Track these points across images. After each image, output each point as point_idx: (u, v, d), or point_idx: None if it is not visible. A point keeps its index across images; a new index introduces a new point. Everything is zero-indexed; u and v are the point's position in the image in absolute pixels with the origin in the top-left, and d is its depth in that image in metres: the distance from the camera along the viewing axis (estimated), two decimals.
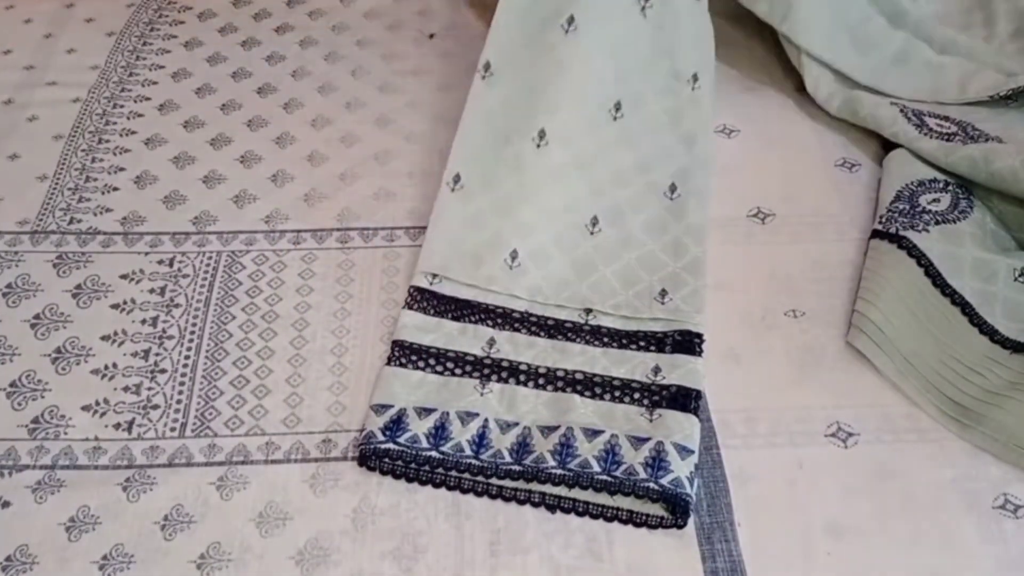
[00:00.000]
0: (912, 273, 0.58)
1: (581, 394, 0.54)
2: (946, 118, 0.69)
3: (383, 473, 0.51)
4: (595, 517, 0.50)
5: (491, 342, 0.57)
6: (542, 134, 0.63)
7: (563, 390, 0.55)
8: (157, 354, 0.57)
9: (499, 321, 0.59)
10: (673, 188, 0.65)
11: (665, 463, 0.50)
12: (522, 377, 0.56)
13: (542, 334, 0.58)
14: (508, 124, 0.64)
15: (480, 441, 0.52)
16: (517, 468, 0.50)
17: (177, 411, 0.54)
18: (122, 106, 0.75)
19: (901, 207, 0.62)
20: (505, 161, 0.63)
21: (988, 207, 0.64)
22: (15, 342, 0.58)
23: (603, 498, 0.50)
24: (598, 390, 0.55)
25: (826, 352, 0.57)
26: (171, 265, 0.62)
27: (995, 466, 0.52)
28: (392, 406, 0.53)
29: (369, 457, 0.51)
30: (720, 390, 0.55)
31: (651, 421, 0.52)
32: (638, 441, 0.51)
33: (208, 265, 0.62)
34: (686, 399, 0.53)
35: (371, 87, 0.78)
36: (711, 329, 0.58)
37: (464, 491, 0.51)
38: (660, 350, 0.57)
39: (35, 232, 0.64)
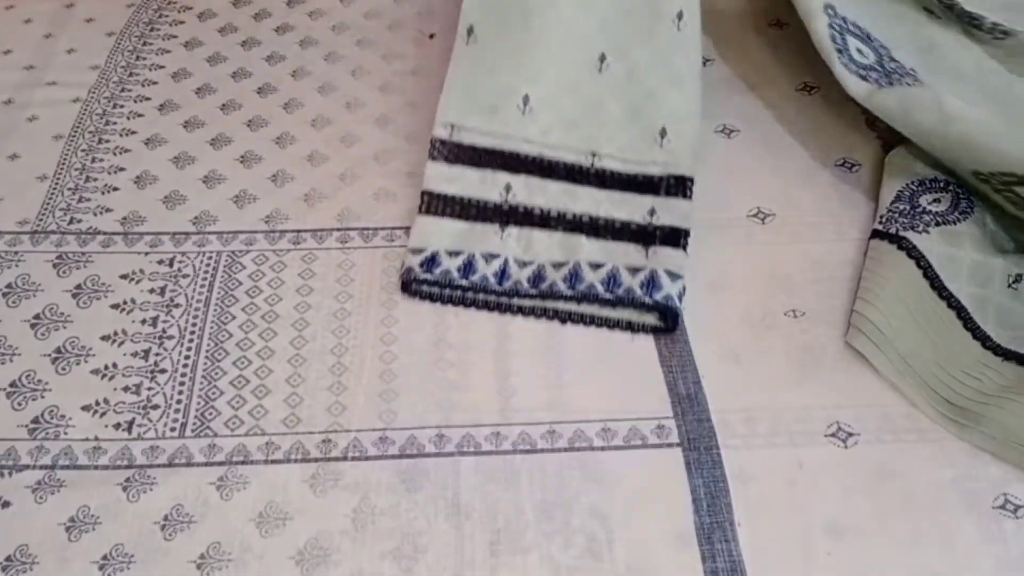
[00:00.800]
0: (911, 274, 0.58)
1: (587, 235, 0.62)
2: (868, 37, 0.68)
3: (422, 298, 0.60)
4: (599, 326, 0.59)
5: (507, 188, 0.63)
6: None
7: (571, 231, 0.62)
8: (157, 354, 0.57)
9: (514, 166, 0.64)
10: (680, 16, 0.66)
11: (658, 284, 0.59)
12: (536, 220, 0.63)
13: (552, 177, 0.64)
14: None
15: (502, 274, 0.60)
16: (534, 291, 0.60)
17: (177, 411, 0.54)
18: (122, 106, 0.76)
19: (901, 207, 0.62)
20: (514, 8, 0.66)
21: (987, 208, 0.64)
22: (15, 342, 0.58)
23: (607, 313, 0.59)
24: (602, 232, 0.62)
25: (826, 352, 0.57)
26: (171, 265, 0.62)
27: (995, 466, 0.52)
28: (426, 248, 0.61)
29: (410, 284, 0.60)
30: (720, 390, 0.55)
31: (647, 256, 0.60)
32: (635, 270, 0.60)
33: (208, 265, 0.62)
34: (677, 237, 0.61)
35: (371, 87, 0.78)
36: (711, 330, 0.58)
37: (490, 309, 0.60)
38: (655, 193, 0.63)
39: (35, 232, 0.64)
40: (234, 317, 0.59)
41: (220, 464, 0.52)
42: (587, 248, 0.61)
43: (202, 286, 0.61)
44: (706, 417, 0.54)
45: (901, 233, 0.60)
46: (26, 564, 0.47)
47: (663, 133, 0.64)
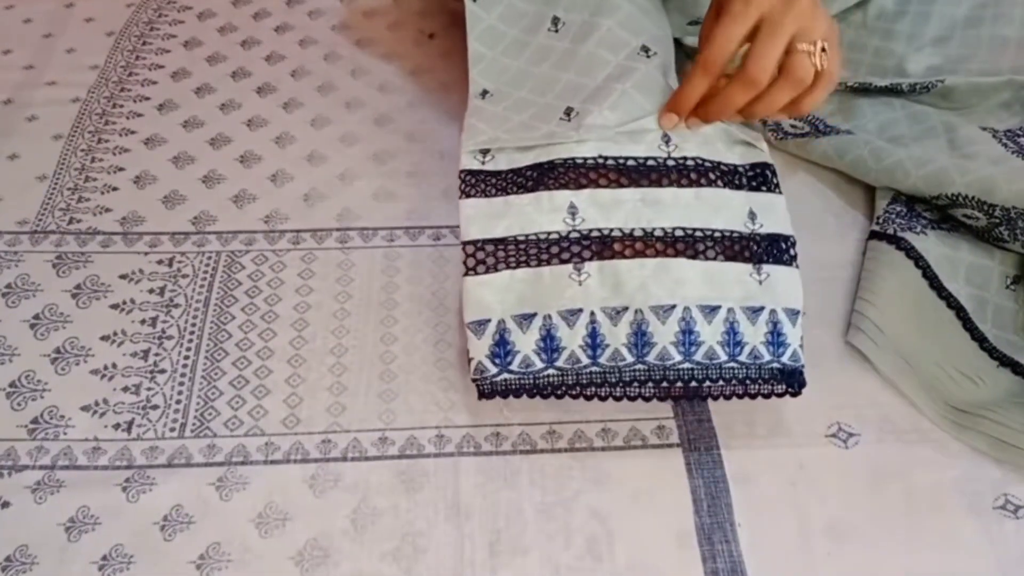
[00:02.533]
0: (910, 274, 0.58)
1: (687, 257, 0.50)
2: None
3: (504, 396, 0.51)
4: (715, 398, 0.51)
5: (572, 209, 0.51)
6: (555, 20, 0.61)
7: (665, 255, 0.50)
8: (156, 354, 0.57)
9: (572, 177, 0.52)
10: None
11: (782, 336, 0.50)
12: (617, 246, 0.50)
13: (625, 181, 0.52)
14: (517, 31, 0.62)
15: (594, 342, 0.49)
16: (642, 367, 0.49)
17: (176, 411, 0.54)
18: (121, 106, 0.75)
19: (898, 208, 0.62)
20: (528, 58, 0.60)
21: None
22: (14, 342, 0.58)
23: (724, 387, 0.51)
24: (701, 247, 0.51)
25: (826, 352, 0.57)
26: (170, 265, 0.62)
27: (996, 467, 0.52)
28: (489, 320, 0.50)
29: (490, 395, 0.50)
30: None
31: (760, 284, 0.51)
32: (753, 313, 0.50)
33: (207, 265, 0.62)
34: (782, 248, 0.52)
35: (371, 87, 0.78)
36: None
37: (588, 399, 0.51)
38: (744, 187, 0.54)
39: (34, 232, 0.64)
40: (233, 317, 0.59)
41: (220, 464, 0.52)
42: (692, 281, 0.50)
43: (201, 286, 0.61)
44: (706, 417, 0.54)
45: (899, 234, 0.60)
46: (26, 564, 0.47)
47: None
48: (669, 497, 0.51)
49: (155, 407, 0.54)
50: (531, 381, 0.50)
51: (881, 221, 0.62)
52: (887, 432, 0.53)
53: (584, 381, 0.50)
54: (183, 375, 0.56)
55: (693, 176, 0.53)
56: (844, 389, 0.56)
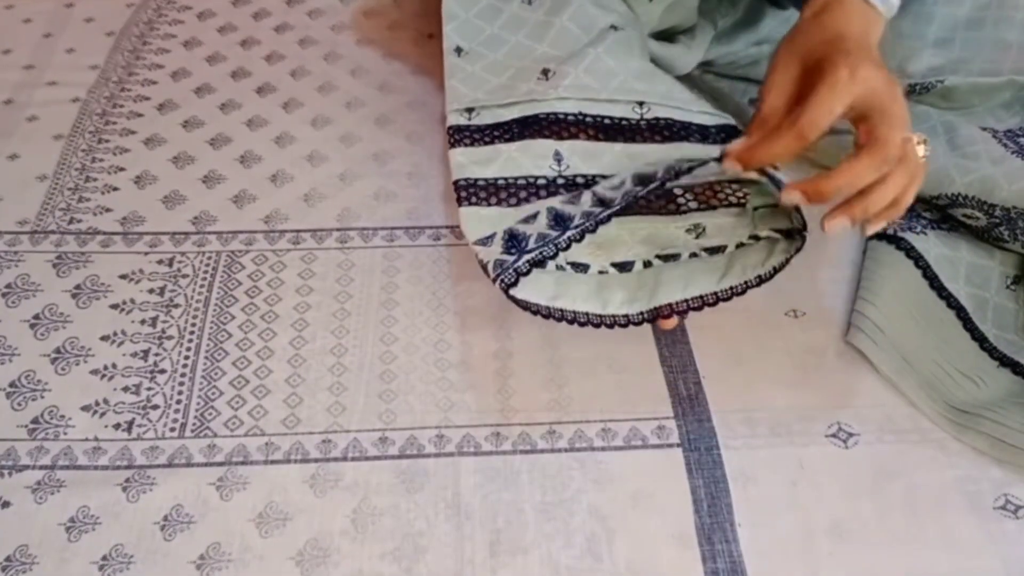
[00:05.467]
0: (910, 274, 0.58)
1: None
2: None
3: (527, 274, 0.49)
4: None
5: (557, 156, 0.54)
6: None
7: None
8: (157, 354, 0.57)
9: (555, 129, 0.55)
10: None
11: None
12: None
13: (602, 137, 0.55)
14: None
15: (601, 202, 0.50)
16: (655, 183, 0.49)
17: (177, 411, 0.54)
18: (121, 106, 0.75)
19: None
20: (502, 25, 0.63)
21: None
22: (15, 342, 0.58)
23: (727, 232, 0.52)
24: (679, 190, 0.55)
25: (826, 352, 0.57)
26: (170, 265, 0.62)
27: (996, 467, 0.52)
28: (494, 233, 0.51)
29: (514, 284, 0.48)
30: (720, 390, 0.55)
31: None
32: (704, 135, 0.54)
33: (207, 265, 0.62)
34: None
35: (371, 87, 0.78)
36: (712, 330, 0.58)
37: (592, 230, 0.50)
38: (715, 142, 0.56)
39: (35, 232, 0.64)
40: (233, 317, 0.59)
41: (220, 464, 0.52)
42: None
43: (201, 286, 0.61)
44: (706, 417, 0.54)
45: (899, 234, 0.60)
46: (26, 564, 0.47)
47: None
48: (669, 497, 0.51)
49: (155, 407, 0.54)
50: (552, 249, 0.49)
51: None
52: (887, 432, 0.53)
53: (604, 220, 0.50)
54: (183, 375, 0.56)
55: (666, 134, 0.56)
56: (845, 389, 0.56)
